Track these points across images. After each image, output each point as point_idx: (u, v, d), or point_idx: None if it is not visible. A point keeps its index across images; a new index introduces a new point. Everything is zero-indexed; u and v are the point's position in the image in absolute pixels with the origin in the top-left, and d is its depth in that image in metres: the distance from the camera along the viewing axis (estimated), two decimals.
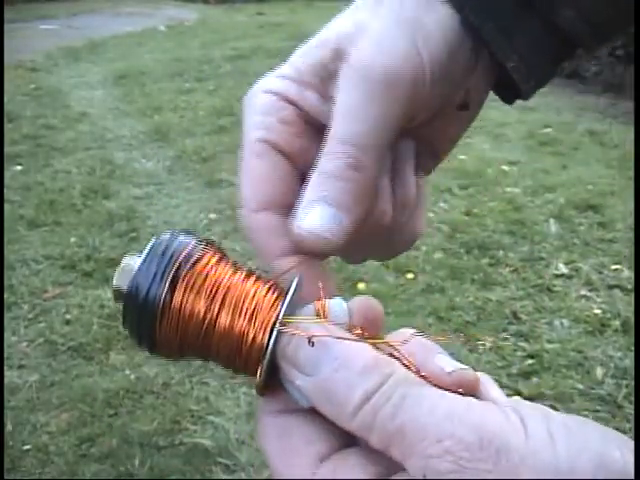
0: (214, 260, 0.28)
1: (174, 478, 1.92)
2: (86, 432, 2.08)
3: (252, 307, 0.27)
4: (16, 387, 2.28)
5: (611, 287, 2.93)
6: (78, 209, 3.77)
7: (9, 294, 2.86)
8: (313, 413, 0.27)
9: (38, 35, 10.94)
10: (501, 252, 3.22)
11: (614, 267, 3.09)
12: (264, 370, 0.26)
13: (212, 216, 3.67)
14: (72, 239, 3.37)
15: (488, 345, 2.51)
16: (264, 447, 0.28)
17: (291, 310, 0.27)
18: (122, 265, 0.29)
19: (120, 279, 0.29)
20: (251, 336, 0.26)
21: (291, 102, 0.32)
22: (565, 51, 0.35)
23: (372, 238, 0.32)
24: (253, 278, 0.28)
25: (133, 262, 0.29)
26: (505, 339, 2.55)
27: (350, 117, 0.29)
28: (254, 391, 0.27)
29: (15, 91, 6.62)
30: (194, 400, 2.22)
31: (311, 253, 0.30)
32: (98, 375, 2.35)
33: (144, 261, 0.28)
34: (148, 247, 0.29)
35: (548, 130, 5.42)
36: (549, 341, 2.53)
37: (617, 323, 2.62)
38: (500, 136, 5.25)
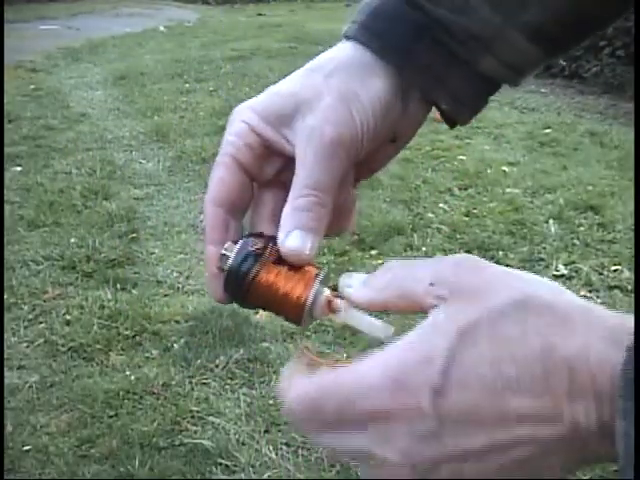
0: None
1: (174, 479, 1.92)
2: (86, 433, 2.08)
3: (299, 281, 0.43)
4: (16, 388, 2.28)
5: (611, 288, 2.93)
6: (78, 210, 3.77)
7: (9, 295, 2.86)
8: None
9: (38, 35, 10.94)
10: (501, 253, 3.22)
11: (614, 268, 3.09)
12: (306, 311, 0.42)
13: None
14: (72, 240, 3.37)
15: None
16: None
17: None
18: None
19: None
20: (300, 296, 0.43)
21: (256, 133, 0.44)
22: (493, 86, 0.46)
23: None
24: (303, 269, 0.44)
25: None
26: None
27: (311, 170, 0.42)
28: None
29: (15, 92, 6.62)
30: (194, 401, 2.22)
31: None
32: (98, 376, 2.35)
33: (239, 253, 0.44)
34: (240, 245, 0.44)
35: (548, 131, 5.41)
36: None
37: None
38: (500, 137, 5.24)
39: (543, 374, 0.33)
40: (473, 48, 0.44)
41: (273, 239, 0.44)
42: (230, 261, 0.44)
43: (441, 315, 0.35)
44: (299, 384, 0.38)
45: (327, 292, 0.43)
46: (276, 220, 0.45)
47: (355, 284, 0.41)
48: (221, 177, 0.44)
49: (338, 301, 0.42)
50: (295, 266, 0.43)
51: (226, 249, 0.44)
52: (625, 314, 0.34)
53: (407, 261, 0.40)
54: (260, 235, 0.45)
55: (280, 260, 0.43)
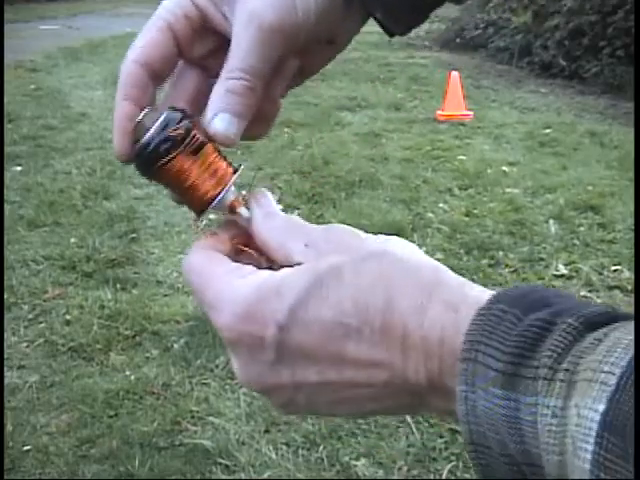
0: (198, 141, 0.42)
1: (174, 479, 1.92)
2: (86, 433, 2.08)
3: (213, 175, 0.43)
4: (16, 387, 2.28)
5: (611, 288, 2.93)
6: (78, 210, 3.77)
7: (9, 294, 2.86)
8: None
9: (38, 35, 10.94)
10: (501, 253, 3.22)
11: (614, 268, 3.09)
12: (214, 205, 0.43)
13: (212, 216, 3.67)
14: (72, 240, 3.37)
15: None
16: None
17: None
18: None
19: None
20: (206, 192, 0.43)
21: (197, 5, 0.44)
22: (431, 4, 0.46)
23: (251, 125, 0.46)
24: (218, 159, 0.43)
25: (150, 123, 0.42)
26: None
27: (246, 54, 0.42)
28: (233, 371, 0.40)
29: (15, 91, 6.62)
30: (194, 401, 2.22)
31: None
32: (98, 376, 2.35)
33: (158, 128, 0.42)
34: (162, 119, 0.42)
35: (548, 131, 5.42)
36: None
37: None
38: (500, 137, 5.24)
39: (381, 327, 0.36)
40: None
41: (194, 121, 0.42)
42: (148, 136, 0.42)
43: (308, 263, 0.38)
44: (191, 257, 0.42)
45: (234, 197, 0.43)
46: (193, 101, 0.45)
47: (261, 211, 0.43)
48: (151, 39, 0.43)
49: (242, 209, 0.43)
50: (212, 160, 0.43)
51: (145, 116, 0.42)
52: (468, 281, 0.37)
53: (301, 222, 0.42)
54: (183, 113, 0.42)
55: (198, 149, 0.42)
